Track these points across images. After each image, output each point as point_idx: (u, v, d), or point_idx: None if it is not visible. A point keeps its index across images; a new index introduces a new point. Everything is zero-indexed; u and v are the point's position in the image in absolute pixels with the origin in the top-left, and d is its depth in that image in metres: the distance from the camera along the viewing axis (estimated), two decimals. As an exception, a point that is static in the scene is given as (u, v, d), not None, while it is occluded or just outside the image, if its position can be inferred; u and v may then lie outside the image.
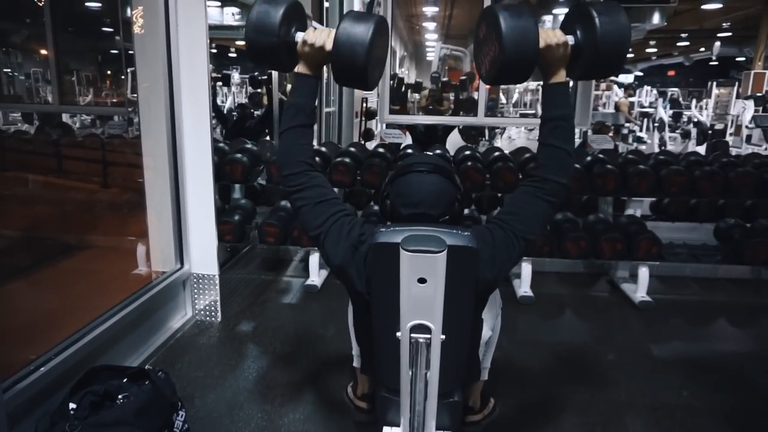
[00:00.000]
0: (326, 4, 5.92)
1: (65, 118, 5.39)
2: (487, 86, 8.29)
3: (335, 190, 3.53)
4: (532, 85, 17.43)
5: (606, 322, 2.93)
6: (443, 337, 1.17)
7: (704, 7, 13.31)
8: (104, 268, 3.12)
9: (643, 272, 3.13)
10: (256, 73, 7.02)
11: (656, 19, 9.11)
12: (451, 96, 6.41)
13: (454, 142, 5.74)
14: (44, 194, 3.86)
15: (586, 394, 2.19)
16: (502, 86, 10.44)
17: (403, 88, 6.89)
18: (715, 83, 11.78)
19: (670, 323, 2.96)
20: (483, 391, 1.91)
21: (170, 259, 2.65)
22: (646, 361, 2.48)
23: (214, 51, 10.61)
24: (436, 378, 1.21)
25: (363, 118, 6.98)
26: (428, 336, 1.17)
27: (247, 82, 8.19)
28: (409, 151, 3.78)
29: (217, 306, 2.75)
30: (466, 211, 3.40)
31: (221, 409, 2.03)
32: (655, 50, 20.73)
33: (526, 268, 3.14)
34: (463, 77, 6.97)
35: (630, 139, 9.60)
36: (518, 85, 17.77)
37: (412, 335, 1.17)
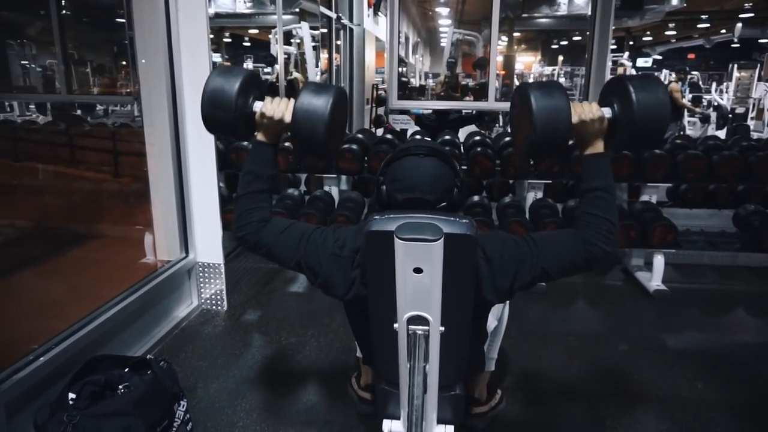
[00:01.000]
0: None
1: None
2: (501, 72, 8.14)
3: (342, 177, 3.54)
4: (547, 69, 17.19)
5: (619, 312, 2.86)
6: (442, 329, 1.13)
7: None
8: (110, 257, 3.13)
9: (658, 260, 3.05)
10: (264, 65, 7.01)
11: (675, 0, 8.86)
12: (471, 83, 6.32)
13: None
14: (58, 185, 3.90)
15: (597, 386, 2.14)
16: (516, 71, 10.29)
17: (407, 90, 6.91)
18: (735, 66, 11.45)
19: (685, 313, 2.88)
20: (490, 382, 1.88)
21: (175, 248, 2.64)
22: (660, 352, 2.42)
23: (229, 40, 10.54)
24: (436, 371, 1.18)
25: (374, 105, 6.92)
26: (426, 328, 1.13)
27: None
28: (417, 137, 3.72)
29: (223, 295, 2.74)
30: (476, 198, 3.34)
31: (224, 399, 2.02)
32: (674, 33, 20.19)
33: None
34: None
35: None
36: (534, 70, 17.56)
37: (410, 327, 1.13)
